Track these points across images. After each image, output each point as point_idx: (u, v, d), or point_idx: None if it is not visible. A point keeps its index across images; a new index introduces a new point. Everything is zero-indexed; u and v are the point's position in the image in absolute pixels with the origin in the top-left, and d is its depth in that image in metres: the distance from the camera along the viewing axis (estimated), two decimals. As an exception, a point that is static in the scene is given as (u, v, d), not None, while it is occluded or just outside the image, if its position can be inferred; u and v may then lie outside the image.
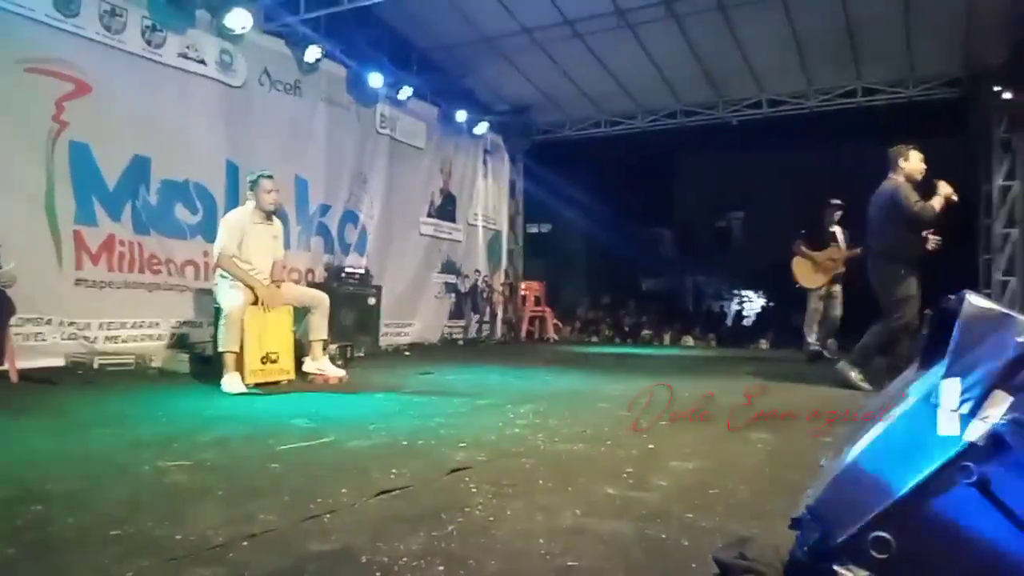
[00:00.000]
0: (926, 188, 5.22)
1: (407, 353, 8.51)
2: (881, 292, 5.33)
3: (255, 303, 4.99)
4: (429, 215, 10.02)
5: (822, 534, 1.40)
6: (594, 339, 13.22)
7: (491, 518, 2.00)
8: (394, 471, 2.51)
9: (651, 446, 3.07)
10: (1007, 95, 8.08)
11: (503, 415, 3.86)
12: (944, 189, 5.07)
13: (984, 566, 1.24)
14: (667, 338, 13.21)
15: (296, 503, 2.10)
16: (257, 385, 4.82)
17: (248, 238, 5.11)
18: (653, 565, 1.68)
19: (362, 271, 8.02)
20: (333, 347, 6.18)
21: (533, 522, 1.97)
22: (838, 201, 8.19)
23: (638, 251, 21.23)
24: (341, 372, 5.37)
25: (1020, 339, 1.25)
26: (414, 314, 9.52)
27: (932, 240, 5.26)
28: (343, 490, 2.25)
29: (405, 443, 3.04)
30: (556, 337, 12.37)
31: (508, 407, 4.15)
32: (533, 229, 19.37)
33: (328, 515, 1.99)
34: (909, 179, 5.20)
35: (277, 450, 2.85)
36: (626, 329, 13.82)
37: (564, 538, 1.84)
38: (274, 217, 5.36)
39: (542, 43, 9.07)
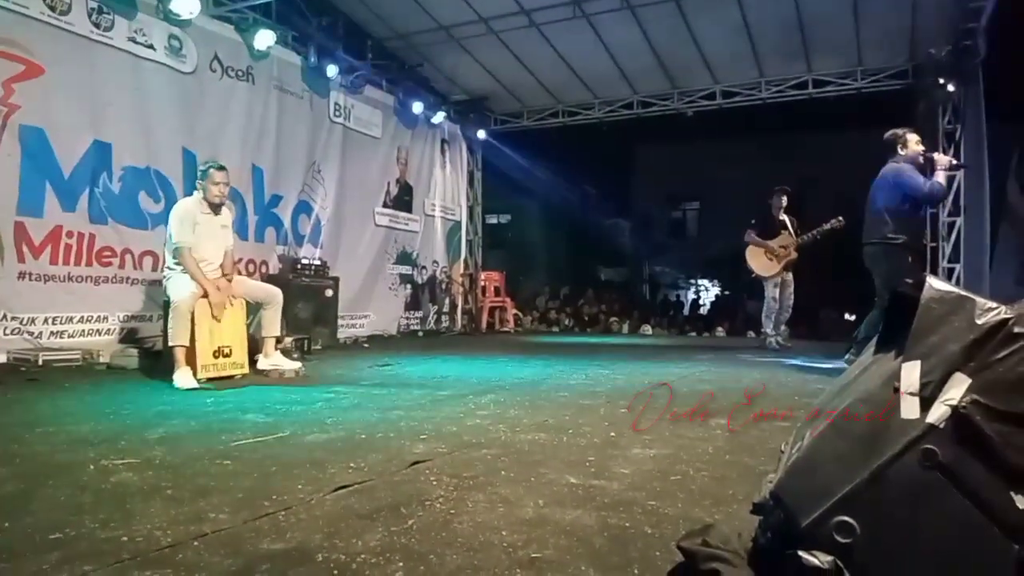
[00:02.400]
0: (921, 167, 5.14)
1: (366, 345, 8.40)
2: (884, 279, 5.20)
3: (206, 295, 4.85)
4: (385, 205, 9.89)
5: (785, 519, 1.40)
6: (554, 329, 13.26)
7: (452, 511, 1.96)
8: (352, 465, 2.45)
9: (612, 435, 3.07)
10: (950, 87, 8.31)
11: (464, 406, 3.82)
12: (943, 161, 4.95)
13: (946, 549, 1.24)
14: (626, 327, 13.31)
15: (249, 501, 2.03)
16: (210, 380, 4.68)
17: (197, 229, 4.96)
18: (616, 554, 1.66)
19: (318, 262, 7.87)
20: (289, 340, 6.07)
21: (495, 514, 1.93)
22: (784, 187, 8.30)
23: (597, 241, 21.36)
24: (297, 365, 5.27)
25: (979, 321, 1.25)
26: (370, 306, 9.40)
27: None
28: (298, 486, 2.18)
29: (363, 436, 2.97)
30: (516, 328, 12.37)
31: (469, 398, 4.12)
32: (492, 220, 19.34)
33: (283, 512, 1.93)
34: (911, 161, 5.06)
35: (230, 446, 2.76)
36: (586, 319, 13.88)
37: (526, 529, 1.81)
38: (223, 207, 5.21)
39: (499, 32, 9.02)
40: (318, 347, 7.07)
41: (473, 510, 1.97)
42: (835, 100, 9.80)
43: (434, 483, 2.25)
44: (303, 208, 8.38)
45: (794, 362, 6.67)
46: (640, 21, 8.61)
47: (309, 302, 7.36)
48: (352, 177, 9.11)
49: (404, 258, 10.31)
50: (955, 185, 8.61)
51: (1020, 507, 1.20)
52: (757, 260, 8.16)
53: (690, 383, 4.97)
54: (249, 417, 3.42)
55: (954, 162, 5.07)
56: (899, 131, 5.32)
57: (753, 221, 8.25)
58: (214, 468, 2.42)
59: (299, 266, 7.60)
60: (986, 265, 8.76)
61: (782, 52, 9.19)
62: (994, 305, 1.26)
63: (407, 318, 10.34)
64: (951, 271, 8.68)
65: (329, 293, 7.74)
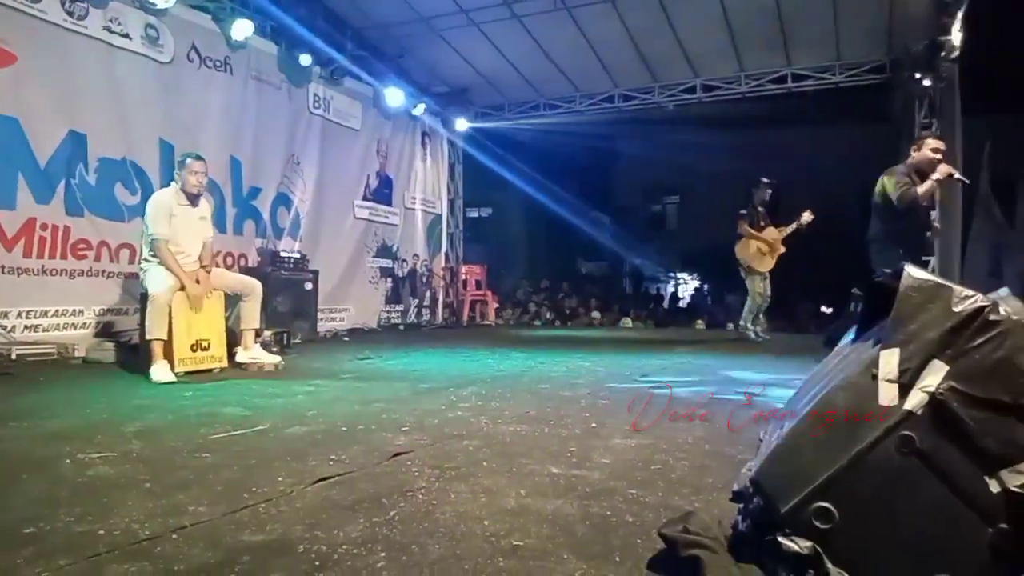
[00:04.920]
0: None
1: (346, 339, 8.35)
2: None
3: (183, 288, 4.79)
4: (365, 198, 9.82)
5: (764, 505, 1.41)
6: (535, 322, 13.27)
7: (434, 502, 1.95)
8: (333, 458, 2.43)
9: (593, 425, 3.08)
10: (926, 81, 8.41)
11: (445, 398, 3.82)
12: (940, 172, 4.88)
13: (923, 534, 1.26)
14: (606, 320, 13.36)
15: (229, 493, 2.01)
16: (188, 374, 4.64)
17: (175, 220, 4.89)
18: (598, 542, 1.66)
19: (298, 255, 7.80)
20: (268, 333, 6.01)
21: (477, 504, 1.93)
22: (768, 179, 8.28)
23: (578, 235, 21.37)
24: (276, 359, 5.22)
25: (956, 309, 1.27)
26: (349, 299, 9.34)
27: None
28: (279, 478, 2.17)
29: (344, 429, 2.96)
30: (497, 321, 12.37)
31: (450, 390, 4.11)
32: (473, 213, 19.27)
33: (263, 504, 1.91)
34: (917, 167, 4.95)
35: (208, 440, 2.73)
36: (566, 312, 13.92)
37: (508, 519, 1.81)
38: (201, 198, 5.14)
39: (480, 24, 8.97)
40: (297, 341, 7.01)
41: (455, 500, 1.97)
42: (814, 94, 9.87)
43: (416, 474, 2.24)
44: (282, 200, 8.30)
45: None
46: (621, 14, 8.61)
47: (288, 295, 7.30)
48: (331, 169, 9.03)
49: (384, 251, 10.25)
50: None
51: (994, 491, 1.23)
52: (751, 253, 8.03)
53: (671, 374, 5.00)
54: (228, 410, 3.39)
55: (955, 175, 4.96)
56: (924, 134, 5.26)
57: (744, 212, 8.16)
58: (193, 461, 2.39)
59: (278, 259, 7.53)
60: (958, 257, 8.89)
61: (762, 46, 9.22)
62: (971, 293, 1.28)
63: (387, 311, 10.29)
64: (926, 263, 8.80)
65: (308, 286, 7.69)
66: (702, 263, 19.75)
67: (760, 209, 8.19)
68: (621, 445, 2.70)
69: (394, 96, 9.76)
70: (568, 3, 8.40)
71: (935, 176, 4.83)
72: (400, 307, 10.59)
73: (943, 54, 8.17)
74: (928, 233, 5.19)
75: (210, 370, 4.85)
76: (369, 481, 2.17)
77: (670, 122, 11.88)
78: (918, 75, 8.45)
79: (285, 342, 6.40)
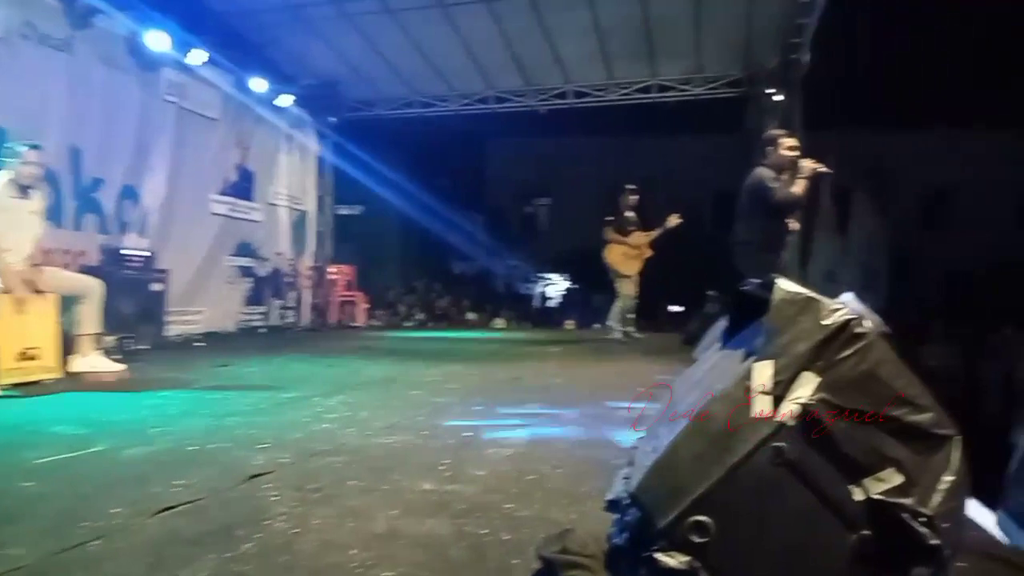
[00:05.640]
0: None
1: (201, 344, 7.79)
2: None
3: (9, 290, 4.26)
4: (223, 193, 9.21)
5: (642, 520, 1.39)
6: (407, 324, 13.06)
7: (295, 529, 1.80)
8: (179, 482, 2.20)
9: (467, 434, 3.00)
10: (778, 96, 9.04)
11: (310, 409, 3.61)
12: (807, 169, 4.91)
13: (791, 542, 1.28)
14: (479, 320, 13.38)
15: (57, 529, 1.77)
16: (14, 386, 4.11)
17: (3, 214, 4.36)
18: (473, 565, 1.59)
19: (144, 254, 7.18)
20: (111, 339, 5.49)
21: (344, 530, 1.80)
22: (633, 186, 8.60)
23: (451, 235, 21.32)
24: (118, 367, 4.77)
25: (825, 322, 1.29)
26: (203, 301, 8.72)
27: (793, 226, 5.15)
28: (115, 509, 1.93)
29: (194, 448, 2.71)
30: (368, 323, 12.04)
31: (316, 400, 3.90)
32: (343, 211, 18.68)
33: (96, 542, 1.69)
34: (777, 166, 5.00)
35: (35, 464, 2.43)
36: (439, 313, 13.80)
37: (378, 545, 1.69)
38: (34, 190, 4.60)
39: (351, 16, 8.69)
40: (144, 346, 6.47)
41: (319, 527, 1.82)
42: (677, 104, 10.34)
43: (275, 498, 2.07)
44: (128, 193, 7.60)
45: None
46: (496, 16, 8.62)
47: (133, 297, 6.69)
48: (186, 161, 8.40)
49: (244, 249, 9.66)
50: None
51: (857, 499, 1.26)
52: (618, 257, 8.32)
53: (543, 377, 5.03)
54: (60, 429, 3.04)
55: (820, 169, 4.96)
56: (775, 132, 5.30)
57: (610, 218, 8.42)
58: (14, 491, 2.10)
59: (122, 257, 6.89)
60: (802, 262, 9.64)
61: (630, 56, 9.56)
62: (839, 306, 1.31)
63: (247, 314, 9.72)
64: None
65: (157, 287, 7.10)
66: (572, 264, 20.26)
67: (628, 215, 8.48)
68: (496, 455, 2.64)
69: (258, 86, 9.25)
70: (444, 1, 8.29)
71: (804, 173, 4.86)
72: (262, 309, 10.03)
73: (793, 72, 8.81)
74: (788, 236, 5.31)
75: (39, 381, 4.33)
76: (221, 509, 1.98)
77: (543, 125, 12.05)
78: (770, 90, 9.05)
79: (129, 348, 5.86)
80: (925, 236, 20.72)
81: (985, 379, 7.92)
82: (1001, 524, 1.45)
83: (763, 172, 4.99)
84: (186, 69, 8.23)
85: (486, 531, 1.80)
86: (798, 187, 4.84)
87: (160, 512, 1.91)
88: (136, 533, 1.76)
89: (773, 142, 5.10)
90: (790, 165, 4.94)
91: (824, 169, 5.03)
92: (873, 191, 14.86)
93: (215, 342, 8.04)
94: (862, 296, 1.52)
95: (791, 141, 5.09)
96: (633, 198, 8.55)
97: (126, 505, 1.96)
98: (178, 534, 1.75)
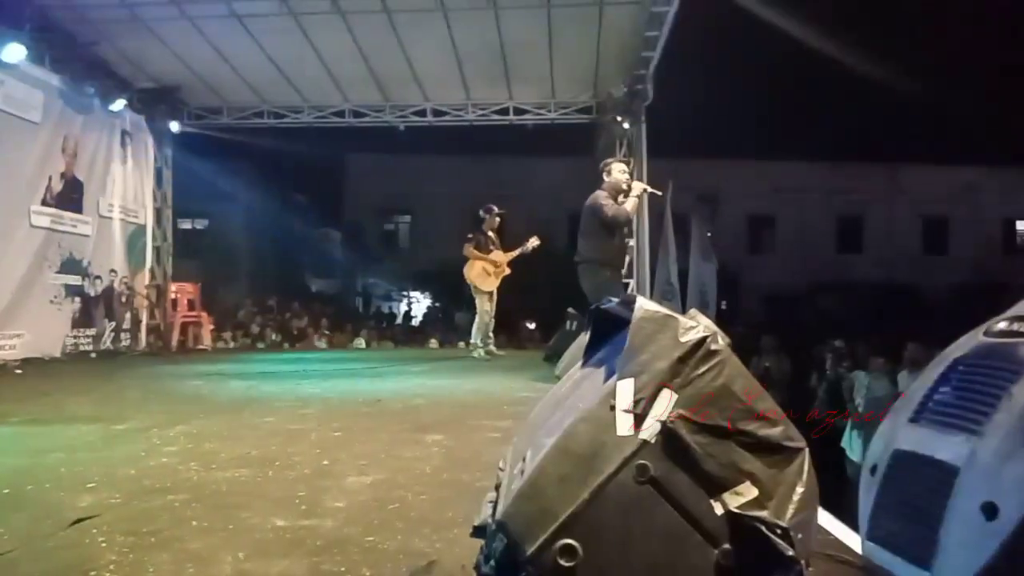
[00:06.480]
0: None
1: (19, 371, 6.94)
2: (591, 297, 5.48)
3: None
4: (45, 203, 8.30)
5: (510, 547, 1.35)
6: (259, 345, 12.35)
7: (125, 582, 1.60)
8: (-15, 534, 1.91)
9: (325, 462, 2.85)
10: (625, 124, 9.55)
11: (146, 442, 3.28)
12: (637, 189, 5.52)
13: (655, 559, 1.29)
14: (337, 341, 12.92)
15: None
16: None
17: None
18: (331, 607, 1.48)
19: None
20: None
21: (183, 578, 1.62)
22: (502, 210, 8.78)
23: (306, 251, 20.57)
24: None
25: (683, 339, 1.33)
26: (22, 323, 7.79)
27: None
28: None
29: (5, 491, 2.37)
30: (215, 345, 11.26)
31: (153, 431, 3.56)
32: (186, 224, 17.50)
33: None
34: (613, 189, 5.51)
35: None
36: (294, 333, 13.20)
37: (223, 593, 1.54)
38: None
39: (194, 18, 8.16)
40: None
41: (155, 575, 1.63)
42: (534, 127, 10.63)
43: (103, 545, 1.84)
44: (-74, 202, 6.67)
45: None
46: (351, 28, 8.43)
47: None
48: (1, 168, 7.50)
49: (71, 266, 8.75)
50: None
51: (718, 513, 1.29)
52: (477, 274, 8.43)
53: (405, 398, 4.91)
54: None
55: (648, 189, 5.76)
56: (608, 160, 5.90)
57: (470, 236, 8.53)
58: None
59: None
60: (648, 280, 10.20)
61: (487, 78, 9.71)
62: (695, 324, 1.35)
63: (75, 336, 8.79)
64: (627, 285, 9.90)
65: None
66: (433, 282, 20.22)
67: (490, 234, 8.61)
68: (356, 484, 2.51)
69: (87, 88, 8.45)
70: (294, 9, 8.00)
71: (634, 193, 5.51)
72: (92, 331, 9.11)
73: (638, 102, 9.35)
74: (625, 254, 5.92)
75: None
76: (37, 560, 1.74)
77: (403, 142, 11.94)
78: (619, 118, 9.53)
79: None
80: (749, 260, 23.40)
81: (812, 388, 8.72)
82: (870, 553, 1.54)
83: (598, 194, 5.54)
84: (1, 66, 7.36)
85: (344, 568, 1.69)
86: (628, 205, 5.44)
87: (-44, 573, 1.64)
88: (-78, 601, 1.50)
89: (606, 167, 5.69)
90: (624, 187, 5.53)
91: (651, 189, 5.83)
92: (705, 215, 16.31)
93: (37, 369, 7.21)
94: (700, 311, 1.59)
95: (622, 165, 5.71)
96: (496, 220, 8.71)
97: (-90, 568, 1.67)
98: (-23, 599, 1.50)
